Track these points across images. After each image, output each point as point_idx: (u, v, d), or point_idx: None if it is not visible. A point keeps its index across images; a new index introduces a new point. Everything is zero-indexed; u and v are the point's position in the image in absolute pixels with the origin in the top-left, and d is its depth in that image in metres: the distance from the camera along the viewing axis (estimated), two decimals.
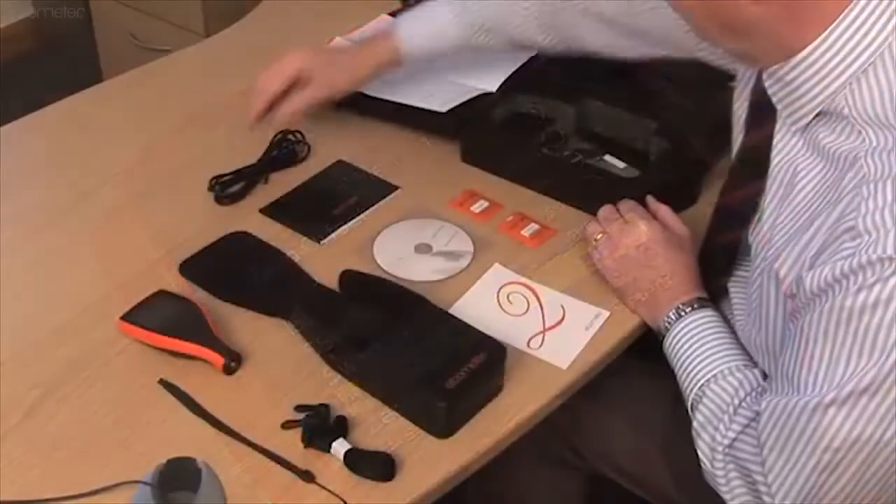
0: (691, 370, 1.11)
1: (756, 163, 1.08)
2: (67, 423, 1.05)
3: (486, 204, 1.34)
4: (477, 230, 1.30)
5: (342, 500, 0.98)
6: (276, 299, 1.18)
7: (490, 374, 1.07)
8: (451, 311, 1.16)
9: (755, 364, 1.10)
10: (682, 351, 1.13)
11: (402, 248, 1.27)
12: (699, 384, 1.10)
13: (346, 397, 1.08)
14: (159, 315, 1.13)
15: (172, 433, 1.04)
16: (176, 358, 1.11)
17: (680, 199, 1.33)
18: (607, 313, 1.18)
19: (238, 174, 1.37)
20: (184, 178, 1.38)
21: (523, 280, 1.23)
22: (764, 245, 1.06)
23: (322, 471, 1.01)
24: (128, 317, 1.13)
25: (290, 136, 1.42)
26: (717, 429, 1.05)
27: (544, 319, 1.18)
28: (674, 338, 1.14)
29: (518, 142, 1.41)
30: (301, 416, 1.05)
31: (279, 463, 1.01)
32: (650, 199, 1.25)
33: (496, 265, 1.25)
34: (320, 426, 1.03)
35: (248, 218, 1.31)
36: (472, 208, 1.33)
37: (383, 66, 1.39)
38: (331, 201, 1.34)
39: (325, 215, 1.31)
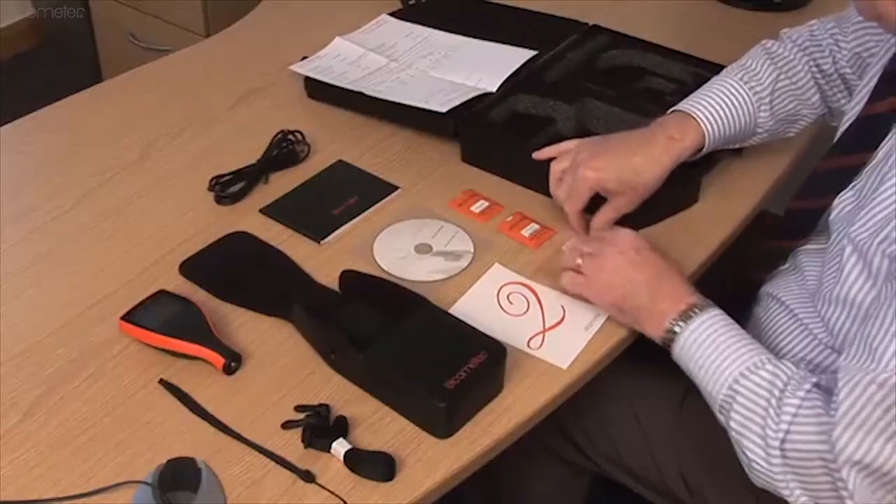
0: (713, 370, 1.06)
1: (872, 133, 1.09)
2: (67, 423, 1.05)
3: (486, 204, 1.34)
4: (477, 230, 1.30)
5: (342, 500, 0.98)
6: (276, 299, 1.18)
7: (490, 374, 1.07)
8: (451, 311, 1.16)
9: (777, 357, 1.07)
10: (698, 353, 1.08)
11: (402, 248, 1.27)
12: (726, 383, 1.05)
13: (346, 397, 1.08)
14: (159, 315, 1.13)
15: (172, 433, 1.04)
16: (176, 358, 1.11)
17: (681, 199, 1.33)
18: (607, 313, 1.18)
19: (238, 174, 1.37)
20: (184, 178, 1.38)
21: (523, 280, 1.23)
22: (852, 213, 1.06)
23: (322, 471, 1.01)
24: (128, 317, 1.13)
25: (290, 136, 1.42)
26: (764, 427, 1.01)
27: (544, 319, 1.18)
28: (685, 341, 1.09)
29: (518, 142, 1.41)
30: (301, 416, 1.05)
31: (279, 463, 1.01)
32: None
33: (496, 265, 1.25)
34: (320, 426, 1.03)
35: (248, 218, 1.31)
36: (472, 208, 1.33)
37: (688, 151, 1.28)
38: (331, 201, 1.34)
39: (325, 215, 1.31)
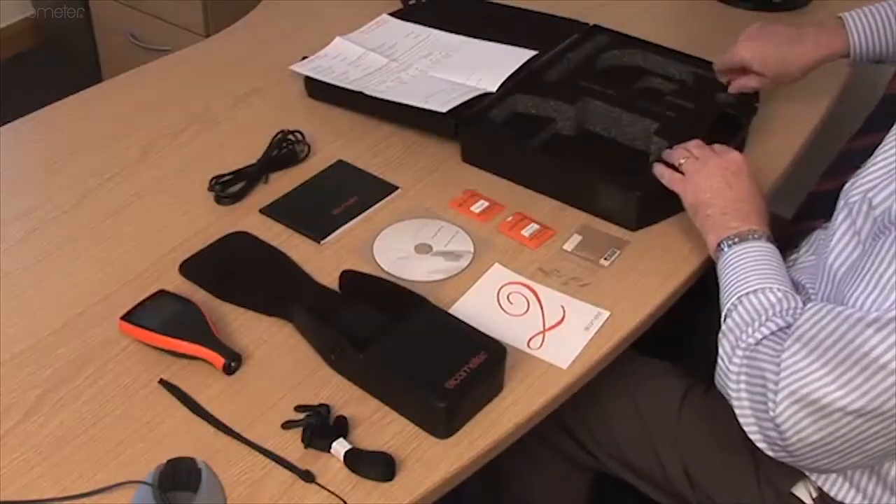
0: (736, 282, 1.12)
1: (893, 112, 1.11)
2: (67, 423, 1.05)
3: (486, 204, 1.34)
4: (477, 230, 1.30)
5: (342, 500, 0.98)
6: (276, 299, 1.18)
7: (490, 374, 1.07)
8: (451, 311, 1.16)
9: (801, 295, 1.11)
10: (734, 266, 1.14)
11: (402, 248, 1.27)
12: (739, 294, 1.10)
13: (346, 397, 1.08)
14: (159, 315, 1.13)
15: (172, 433, 1.04)
16: (176, 358, 1.11)
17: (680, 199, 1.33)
18: (607, 313, 1.18)
19: (238, 174, 1.37)
20: (184, 178, 1.38)
21: (523, 280, 1.23)
22: (856, 177, 1.08)
23: (322, 471, 1.01)
24: (128, 317, 1.13)
25: (290, 136, 1.42)
26: (744, 331, 1.06)
27: (544, 319, 1.18)
28: (731, 255, 1.15)
29: (518, 142, 1.41)
30: (301, 416, 1.05)
31: (279, 463, 1.01)
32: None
33: (496, 265, 1.25)
34: (320, 426, 1.03)
35: (248, 218, 1.31)
36: (472, 208, 1.33)
37: (832, 56, 1.41)
38: (331, 201, 1.34)
39: (325, 215, 1.31)
